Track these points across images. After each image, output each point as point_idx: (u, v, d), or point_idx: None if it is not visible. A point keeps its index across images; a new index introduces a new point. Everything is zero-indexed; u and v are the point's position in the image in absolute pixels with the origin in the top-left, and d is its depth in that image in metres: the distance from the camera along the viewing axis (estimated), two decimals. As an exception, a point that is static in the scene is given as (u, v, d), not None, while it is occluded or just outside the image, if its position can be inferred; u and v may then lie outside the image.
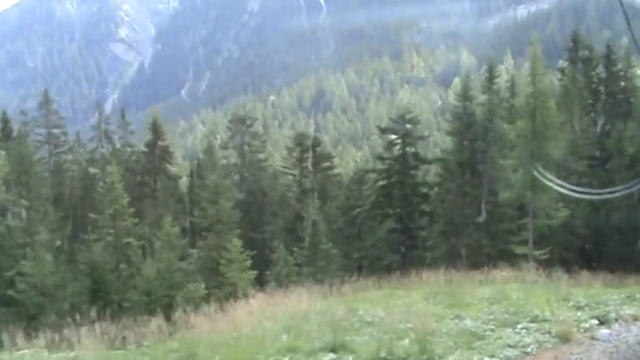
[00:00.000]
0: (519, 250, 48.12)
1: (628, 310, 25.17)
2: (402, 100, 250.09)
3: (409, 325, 21.30)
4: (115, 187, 42.49)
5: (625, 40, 72.90)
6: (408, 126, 62.67)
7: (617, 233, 54.47)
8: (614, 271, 42.82)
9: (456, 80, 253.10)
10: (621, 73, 65.71)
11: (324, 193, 70.96)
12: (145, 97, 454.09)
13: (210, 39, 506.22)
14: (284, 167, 76.21)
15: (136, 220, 46.62)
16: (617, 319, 24.07)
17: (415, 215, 62.79)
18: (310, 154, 72.71)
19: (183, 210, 71.95)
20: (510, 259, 45.37)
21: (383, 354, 17.83)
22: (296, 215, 70.29)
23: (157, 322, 23.10)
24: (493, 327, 21.98)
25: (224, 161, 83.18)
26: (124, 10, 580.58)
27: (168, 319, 24.53)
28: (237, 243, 41.30)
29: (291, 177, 74.88)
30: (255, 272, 42.98)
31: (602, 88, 66.29)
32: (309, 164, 72.77)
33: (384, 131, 67.93)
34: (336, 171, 77.46)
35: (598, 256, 52.67)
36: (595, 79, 66.51)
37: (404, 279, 36.82)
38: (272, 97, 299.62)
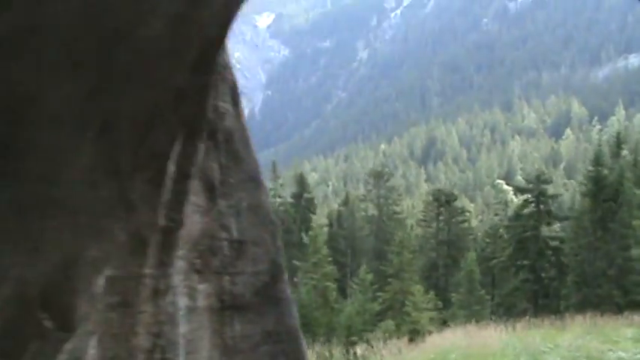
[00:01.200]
0: (649, 300, 54.36)
1: None
2: (514, 152, 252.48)
3: (577, 353, 28.73)
4: (318, 239, 50.12)
5: None
6: (543, 186, 69.04)
7: None
8: None
9: (568, 131, 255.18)
10: None
11: (458, 244, 77.67)
12: (256, 142, 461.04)
13: (319, 86, 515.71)
14: (422, 220, 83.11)
15: (333, 267, 54.48)
16: None
17: (547, 267, 68.51)
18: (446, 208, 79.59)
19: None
20: (638, 308, 51.70)
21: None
22: (432, 264, 77.15)
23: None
24: (640, 357, 29.38)
25: (363, 213, 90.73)
26: (236, 58, 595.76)
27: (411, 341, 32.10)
28: (420, 288, 48.84)
29: (428, 229, 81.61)
30: (434, 312, 50.44)
31: None
32: (444, 217, 79.56)
33: (520, 190, 74.77)
34: (467, 224, 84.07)
35: None
36: None
37: (555, 321, 44.09)
38: (383, 146, 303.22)
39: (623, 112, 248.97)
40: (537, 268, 67.17)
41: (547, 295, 66.92)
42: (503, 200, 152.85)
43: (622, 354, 29.21)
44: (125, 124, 5.28)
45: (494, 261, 68.46)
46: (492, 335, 33.05)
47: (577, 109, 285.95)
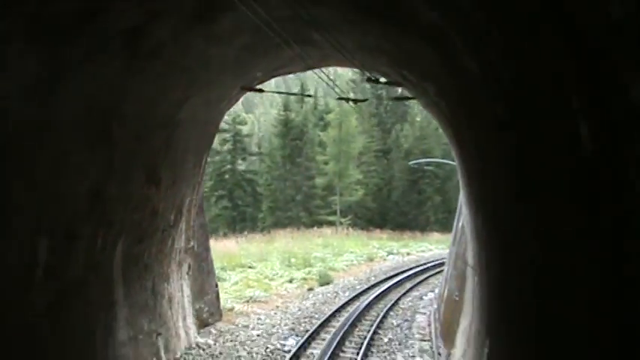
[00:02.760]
0: (330, 218, 66.90)
1: (403, 250, 46.70)
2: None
3: (287, 254, 39.99)
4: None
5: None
6: (238, 126, 78.92)
7: (396, 206, 74.41)
8: (394, 230, 63.65)
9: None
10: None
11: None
12: None
13: None
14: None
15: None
16: (397, 253, 44.87)
17: (243, 195, 78.56)
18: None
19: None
20: (322, 225, 64.23)
21: (286, 263, 36.63)
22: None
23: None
24: (331, 255, 41.86)
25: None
26: None
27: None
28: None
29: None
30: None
31: (384, 94, 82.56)
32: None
33: (219, 131, 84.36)
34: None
35: (383, 221, 71.49)
36: (380, 87, 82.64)
37: (264, 236, 55.53)
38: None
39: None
40: (235, 197, 77.20)
41: (244, 220, 76.85)
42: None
43: (317, 254, 41.19)
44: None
45: (189, 192, 77.43)
46: (227, 245, 44.03)
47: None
